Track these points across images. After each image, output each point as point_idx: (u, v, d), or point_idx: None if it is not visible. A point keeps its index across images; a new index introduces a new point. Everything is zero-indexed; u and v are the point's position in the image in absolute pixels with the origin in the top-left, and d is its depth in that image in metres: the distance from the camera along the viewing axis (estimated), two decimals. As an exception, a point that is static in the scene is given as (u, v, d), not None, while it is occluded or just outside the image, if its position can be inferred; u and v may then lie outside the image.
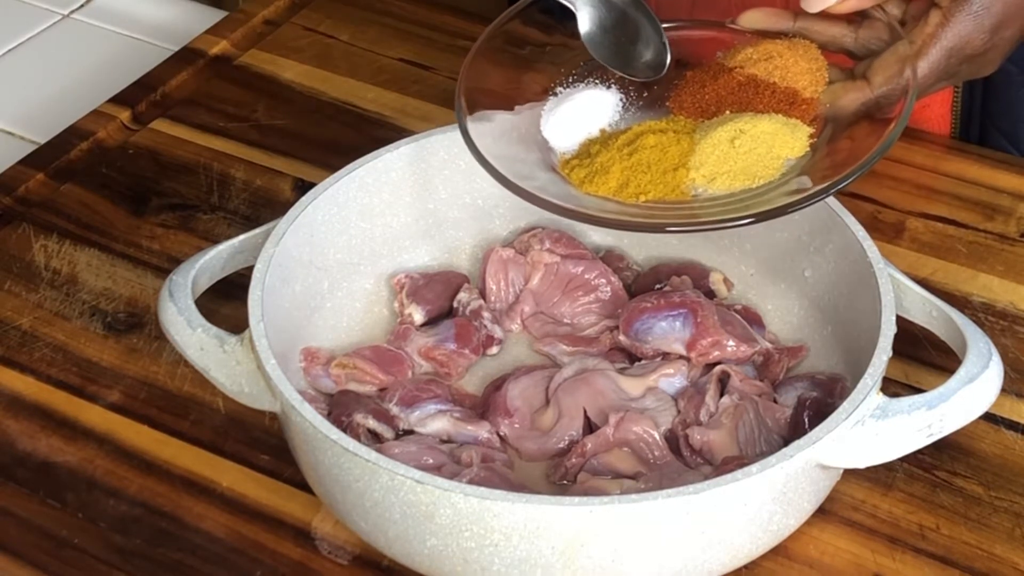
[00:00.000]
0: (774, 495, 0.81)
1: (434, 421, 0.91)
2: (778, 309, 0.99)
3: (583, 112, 0.95)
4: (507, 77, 0.96)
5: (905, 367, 0.96)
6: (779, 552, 0.86)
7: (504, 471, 0.87)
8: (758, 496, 0.81)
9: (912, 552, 0.88)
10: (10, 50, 1.32)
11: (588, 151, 0.92)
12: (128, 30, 1.34)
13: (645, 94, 0.96)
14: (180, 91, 1.22)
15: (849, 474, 0.89)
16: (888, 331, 0.86)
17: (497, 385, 0.94)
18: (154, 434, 0.94)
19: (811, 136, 0.90)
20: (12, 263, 1.06)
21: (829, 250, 0.94)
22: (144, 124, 1.18)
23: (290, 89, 1.22)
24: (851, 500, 0.90)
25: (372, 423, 0.90)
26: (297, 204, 0.95)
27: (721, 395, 0.91)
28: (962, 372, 0.84)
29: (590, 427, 0.91)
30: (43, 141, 1.17)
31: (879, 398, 0.83)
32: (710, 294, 0.98)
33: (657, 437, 0.89)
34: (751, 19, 0.97)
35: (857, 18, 0.95)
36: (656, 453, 0.89)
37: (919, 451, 0.85)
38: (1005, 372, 0.86)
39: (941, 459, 0.92)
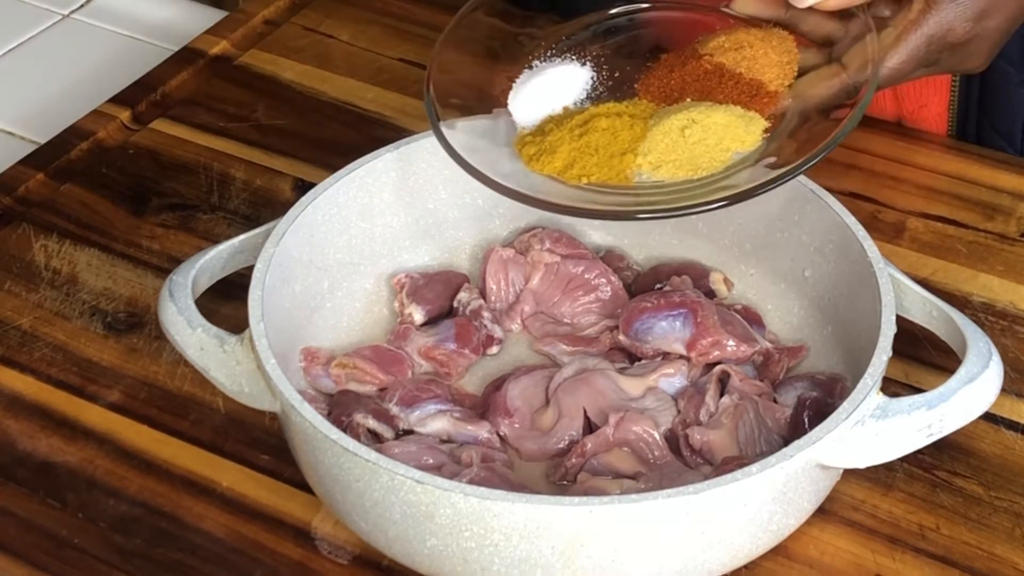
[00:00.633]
0: (774, 495, 0.81)
1: (434, 421, 0.91)
2: (778, 309, 0.99)
3: (551, 87, 0.94)
4: (478, 59, 0.96)
5: (905, 367, 0.96)
6: (779, 552, 0.86)
7: (504, 471, 0.87)
8: (758, 496, 0.81)
9: (912, 552, 0.88)
10: (10, 50, 1.32)
11: (543, 128, 0.92)
12: (128, 30, 1.34)
13: (617, 74, 0.96)
14: (180, 91, 1.22)
15: (849, 474, 0.89)
16: (888, 331, 0.86)
17: (497, 385, 0.94)
18: (154, 434, 0.94)
19: (765, 131, 0.90)
20: (12, 263, 1.06)
21: (829, 250, 0.94)
22: (144, 124, 1.18)
23: (290, 89, 1.22)
24: (851, 500, 0.90)
25: (372, 423, 0.90)
26: (297, 204, 0.95)
27: (721, 395, 0.91)
28: (962, 372, 0.84)
29: (590, 427, 0.91)
30: (43, 141, 1.17)
31: (879, 398, 0.83)
32: (710, 294, 0.98)
33: (657, 437, 0.89)
34: (745, 4, 0.97)
35: (841, 15, 0.95)
36: (656, 453, 0.89)
37: (919, 451, 0.85)
38: (1005, 372, 0.86)
39: (941, 459, 0.92)
